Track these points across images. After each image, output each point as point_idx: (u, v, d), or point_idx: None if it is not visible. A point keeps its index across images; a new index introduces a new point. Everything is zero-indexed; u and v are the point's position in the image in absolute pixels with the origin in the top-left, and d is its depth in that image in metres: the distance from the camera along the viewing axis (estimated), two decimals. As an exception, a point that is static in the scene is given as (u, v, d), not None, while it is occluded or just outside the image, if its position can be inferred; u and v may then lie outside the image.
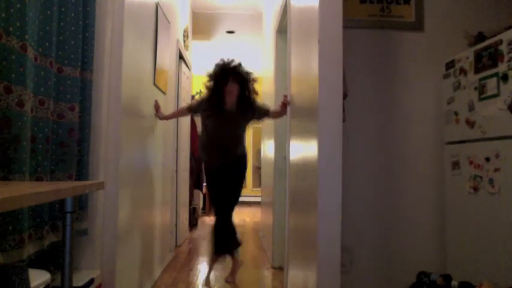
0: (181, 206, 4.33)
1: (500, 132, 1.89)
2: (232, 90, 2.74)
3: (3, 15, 1.36)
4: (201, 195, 6.54)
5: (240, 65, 2.84)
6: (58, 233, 1.69)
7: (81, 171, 1.88)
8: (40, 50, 1.60)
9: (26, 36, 1.44)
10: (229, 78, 2.73)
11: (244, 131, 3.01)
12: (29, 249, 1.47)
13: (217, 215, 3.05)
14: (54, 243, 1.67)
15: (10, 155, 1.38)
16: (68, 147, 1.76)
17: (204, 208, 6.95)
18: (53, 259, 1.63)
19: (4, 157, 1.37)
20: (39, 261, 1.55)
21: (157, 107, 2.94)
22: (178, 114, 3.43)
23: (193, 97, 5.95)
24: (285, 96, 2.71)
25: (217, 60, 2.90)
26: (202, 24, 5.37)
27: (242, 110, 2.83)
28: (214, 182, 3.04)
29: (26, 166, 1.44)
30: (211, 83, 2.83)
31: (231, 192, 2.98)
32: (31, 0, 1.47)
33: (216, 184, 3.01)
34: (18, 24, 1.41)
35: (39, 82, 1.59)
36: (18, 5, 1.40)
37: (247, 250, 4.23)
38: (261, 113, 2.94)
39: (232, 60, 2.86)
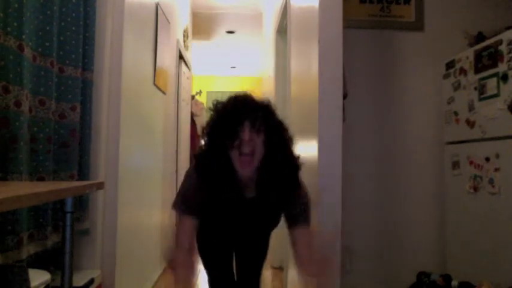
0: (181, 206, 4.31)
1: (500, 132, 1.89)
2: (249, 143, 1.24)
3: (1, 15, 1.36)
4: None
5: (268, 105, 1.32)
6: (60, 233, 1.69)
7: (83, 171, 1.88)
8: (40, 50, 1.59)
9: (23, 36, 1.44)
10: (243, 121, 1.24)
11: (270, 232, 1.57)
12: (30, 250, 1.47)
13: None
14: (56, 243, 1.67)
15: (8, 155, 1.38)
16: (70, 147, 1.76)
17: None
18: (53, 259, 1.63)
19: (2, 157, 1.37)
20: (40, 261, 1.55)
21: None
22: (191, 235, 1.39)
23: (193, 97, 5.93)
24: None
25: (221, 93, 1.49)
26: (202, 24, 5.37)
27: (268, 190, 1.32)
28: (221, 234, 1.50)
29: (24, 166, 1.44)
30: (208, 136, 1.33)
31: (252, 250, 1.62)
32: (29, 0, 1.47)
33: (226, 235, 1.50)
34: (15, 24, 1.41)
35: (39, 82, 1.59)
36: (16, 5, 1.40)
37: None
38: (305, 217, 1.35)
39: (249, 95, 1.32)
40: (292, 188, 1.32)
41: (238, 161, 1.25)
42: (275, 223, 1.43)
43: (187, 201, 1.35)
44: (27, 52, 1.47)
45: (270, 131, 1.27)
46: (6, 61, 1.38)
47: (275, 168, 1.28)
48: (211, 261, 1.56)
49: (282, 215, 1.38)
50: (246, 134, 1.22)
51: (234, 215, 1.37)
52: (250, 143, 1.23)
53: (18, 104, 1.42)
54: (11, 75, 1.39)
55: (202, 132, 1.35)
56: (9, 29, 1.38)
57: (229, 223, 1.41)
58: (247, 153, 1.24)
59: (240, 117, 1.24)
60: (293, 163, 1.32)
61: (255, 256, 1.62)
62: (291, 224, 1.36)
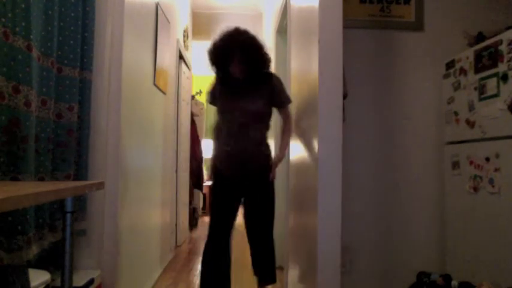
0: (181, 206, 4.32)
1: (500, 132, 1.89)
2: (238, 67, 2.10)
3: (10, 15, 1.36)
4: (201, 196, 6.54)
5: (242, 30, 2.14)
6: (56, 233, 1.69)
7: (80, 171, 1.88)
8: (42, 50, 1.60)
9: (31, 36, 1.44)
10: (233, 58, 2.09)
11: (265, 118, 2.20)
12: (34, 250, 1.47)
13: (213, 239, 2.28)
14: (54, 243, 1.67)
15: (19, 155, 1.38)
16: (67, 147, 1.76)
17: (204, 208, 6.95)
18: (53, 259, 1.63)
19: (13, 157, 1.37)
20: (39, 261, 1.55)
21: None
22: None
23: (193, 97, 5.94)
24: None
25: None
26: (202, 24, 5.37)
27: (253, 79, 2.13)
28: (228, 185, 2.21)
29: (32, 166, 1.45)
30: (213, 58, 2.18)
31: (258, 201, 2.28)
32: (35, 1, 1.47)
33: (231, 187, 2.22)
34: (23, 24, 1.41)
35: (42, 82, 1.59)
36: (23, 5, 1.41)
37: (247, 250, 4.22)
38: (279, 96, 2.20)
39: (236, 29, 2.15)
40: (265, 75, 2.19)
41: (232, 72, 2.12)
42: (261, 103, 2.15)
43: (212, 92, 2.29)
44: (34, 52, 1.48)
45: (250, 62, 2.10)
46: (16, 61, 1.38)
47: (252, 63, 2.11)
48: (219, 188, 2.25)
49: (269, 102, 2.18)
50: (235, 66, 2.09)
51: (235, 94, 2.17)
52: (238, 67, 2.09)
53: (28, 104, 1.42)
54: (20, 75, 1.39)
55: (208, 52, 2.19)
56: (17, 29, 1.38)
57: (233, 101, 2.16)
58: (236, 70, 2.11)
59: (230, 54, 2.08)
60: (267, 62, 2.18)
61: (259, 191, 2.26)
62: (279, 105, 2.23)
